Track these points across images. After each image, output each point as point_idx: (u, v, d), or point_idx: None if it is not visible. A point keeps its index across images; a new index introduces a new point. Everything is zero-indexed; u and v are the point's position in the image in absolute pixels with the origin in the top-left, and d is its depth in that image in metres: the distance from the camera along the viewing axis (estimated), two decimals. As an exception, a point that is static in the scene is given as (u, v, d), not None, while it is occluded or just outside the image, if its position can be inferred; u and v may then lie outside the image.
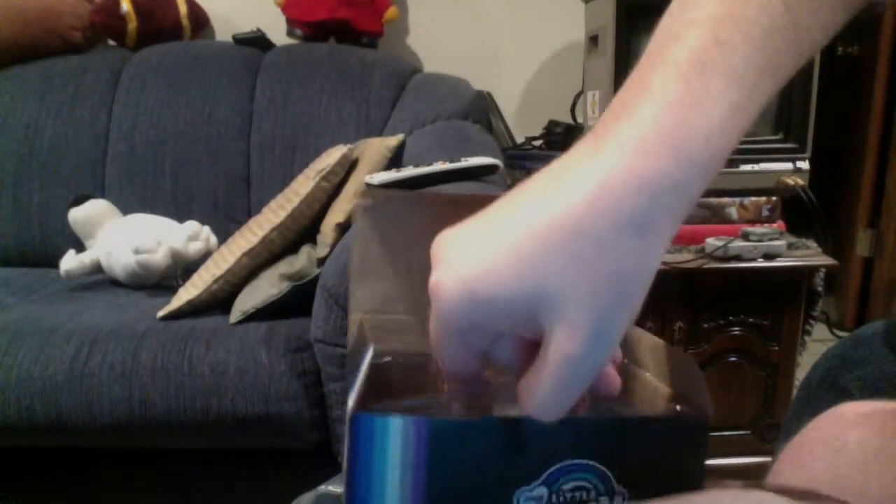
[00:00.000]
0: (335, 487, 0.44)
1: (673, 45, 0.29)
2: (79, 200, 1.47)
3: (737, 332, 1.41)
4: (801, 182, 1.39)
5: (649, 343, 0.39)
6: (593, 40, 1.57)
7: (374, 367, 0.32)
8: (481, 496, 0.31)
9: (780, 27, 0.28)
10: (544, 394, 0.29)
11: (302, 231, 1.27)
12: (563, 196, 0.27)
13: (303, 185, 1.27)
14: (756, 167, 1.43)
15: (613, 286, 0.27)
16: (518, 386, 0.30)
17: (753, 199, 1.43)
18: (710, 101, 0.27)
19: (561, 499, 0.31)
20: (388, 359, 0.34)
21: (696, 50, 0.28)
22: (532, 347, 0.30)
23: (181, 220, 1.44)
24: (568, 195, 0.27)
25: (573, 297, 0.27)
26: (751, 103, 0.28)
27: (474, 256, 0.28)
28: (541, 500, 0.31)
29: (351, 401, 0.30)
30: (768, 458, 0.60)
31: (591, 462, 0.31)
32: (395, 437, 0.30)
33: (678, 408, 0.34)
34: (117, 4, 1.74)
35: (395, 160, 1.36)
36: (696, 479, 0.32)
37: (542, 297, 0.27)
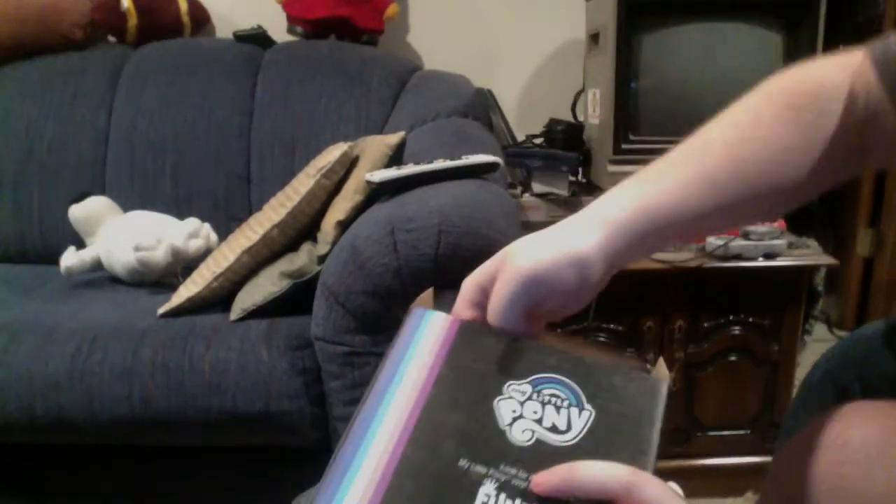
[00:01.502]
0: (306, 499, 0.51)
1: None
2: (79, 197, 1.47)
3: (737, 331, 1.41)
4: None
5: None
6: (594, 38, 1.57)
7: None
8: (481, 377, 0.42)
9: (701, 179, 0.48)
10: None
11: (302, 229, 1.27)
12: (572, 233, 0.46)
13: (303, 182, 1.27)
14: (757, 166, 1.43)
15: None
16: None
17: (754, 197, 1.43)
18: (622, 194, 0.49)
19: (540, 398, 0.41)
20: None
21: (643, 170, 0.50)
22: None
23: (182, 217, 1.44)
24: (574, 234, 0.46)
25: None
26: (655, 208, 0.47)
27: (531, 256, 0.44)
28: (524, 394, 0.41)
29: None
30: (769, 458, 0.60)
31: (569, 380, 0.41)
32: (435, 326, 0.45)
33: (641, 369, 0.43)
34: (117, 1, 1.73)
35: (395, 158, 1.36)
36: (653, 425, 0.39)
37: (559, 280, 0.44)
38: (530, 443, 0.39)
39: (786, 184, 0.49)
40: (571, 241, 0.44)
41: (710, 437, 1.45)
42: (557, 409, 0.40)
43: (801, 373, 1.39)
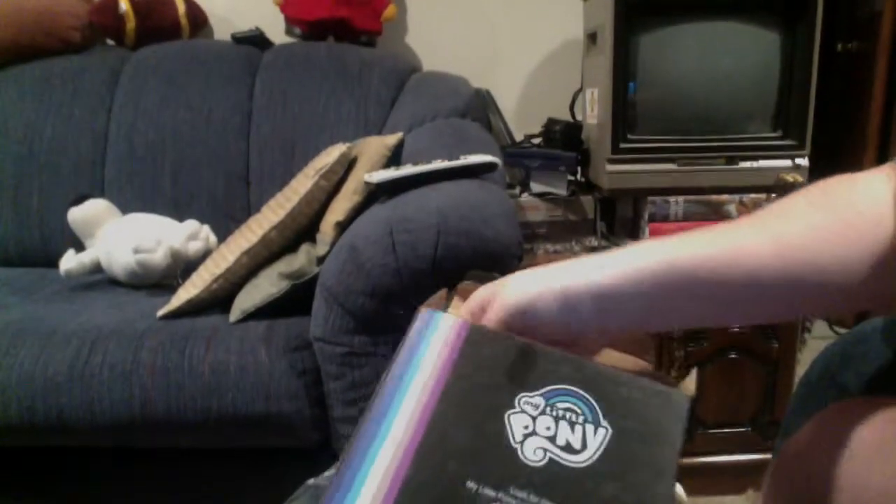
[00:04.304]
0: (319, 481, 0.50)
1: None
2: (78, 200, 1.47)
3: (736, 329, 1.41)
4: (800, 179, 1.39)
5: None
6: (592, 38, 1.57)
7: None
8: (491, 388, 0.39)
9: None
10: None
11: (301, 230, 1.27)
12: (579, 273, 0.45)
13: (302, 183, 1.27)
14: (755, 164, 1.43)
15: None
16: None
17: (753, 196, 1.43)
18: (634, 245, 0.46)
19: (553, 413, 0.38)
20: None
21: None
22: None
23: (181, 219, 1.44)
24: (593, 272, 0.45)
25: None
26: (664, 254, 0.44)
27: (517, 289, 0.44)
28: (537, 407, 0.38)
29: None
30: (769, 455, 0.61)
31: (584, 393, 0.39)
32: (444, 329, 0.42)
33: (664, 383, 0.40)
34: (116, 4, 1.73)
35: (394, 158, 1.36)
36: (673, 445, 0.37)
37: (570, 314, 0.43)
38: (542, 463, 0.37)
39: (820, 278, 0.43)
40: (559, 276, 0.44)
41: (710, 435, 1.45)
42: (572, 425, 0.38)
43: (801, 370, 1.39)
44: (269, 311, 1.16)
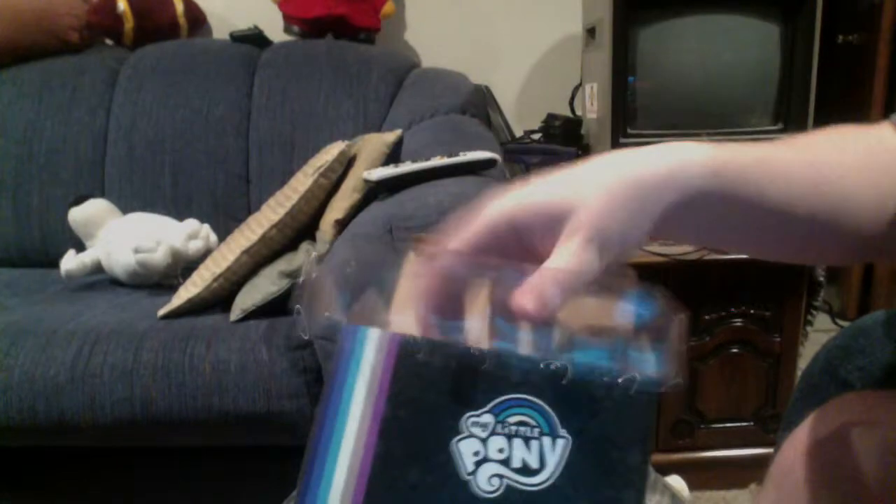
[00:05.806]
0: None
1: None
2: (79, 200, 1.47)
3: (738, 324, 1.41)
4: (801, 172, 1.38)
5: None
6: (591, 33, 1.56)
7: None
8: (433, 413, 0.34)
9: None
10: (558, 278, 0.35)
11: (301, 228, 1.27)
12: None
13: (301, 182, 1.27)
14: (756, 157, 1.42)
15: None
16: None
17: (754, 189, 1.42)
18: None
19: (505, 430, 0.34)
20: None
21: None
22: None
23: (181, 218, 1.44)
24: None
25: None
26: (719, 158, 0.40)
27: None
28: (486, 427, 0.34)
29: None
30: (771, 449, 0.60)
31: (537, 400, 0.34)
32: (372, 348, 0.36)
33: (630, 371, 0.35)
34: (114, 4, 1.73)
35: (393, 156, 1.36)
36: (641, 444, 0.34)
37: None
38: (499, 493, 0.33)
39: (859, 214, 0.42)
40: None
41: (712, 429, 1.45)
42: (527, 441, 0.34)
43: (803, 364, 1.39)
44: (269, 309, 1.16)
